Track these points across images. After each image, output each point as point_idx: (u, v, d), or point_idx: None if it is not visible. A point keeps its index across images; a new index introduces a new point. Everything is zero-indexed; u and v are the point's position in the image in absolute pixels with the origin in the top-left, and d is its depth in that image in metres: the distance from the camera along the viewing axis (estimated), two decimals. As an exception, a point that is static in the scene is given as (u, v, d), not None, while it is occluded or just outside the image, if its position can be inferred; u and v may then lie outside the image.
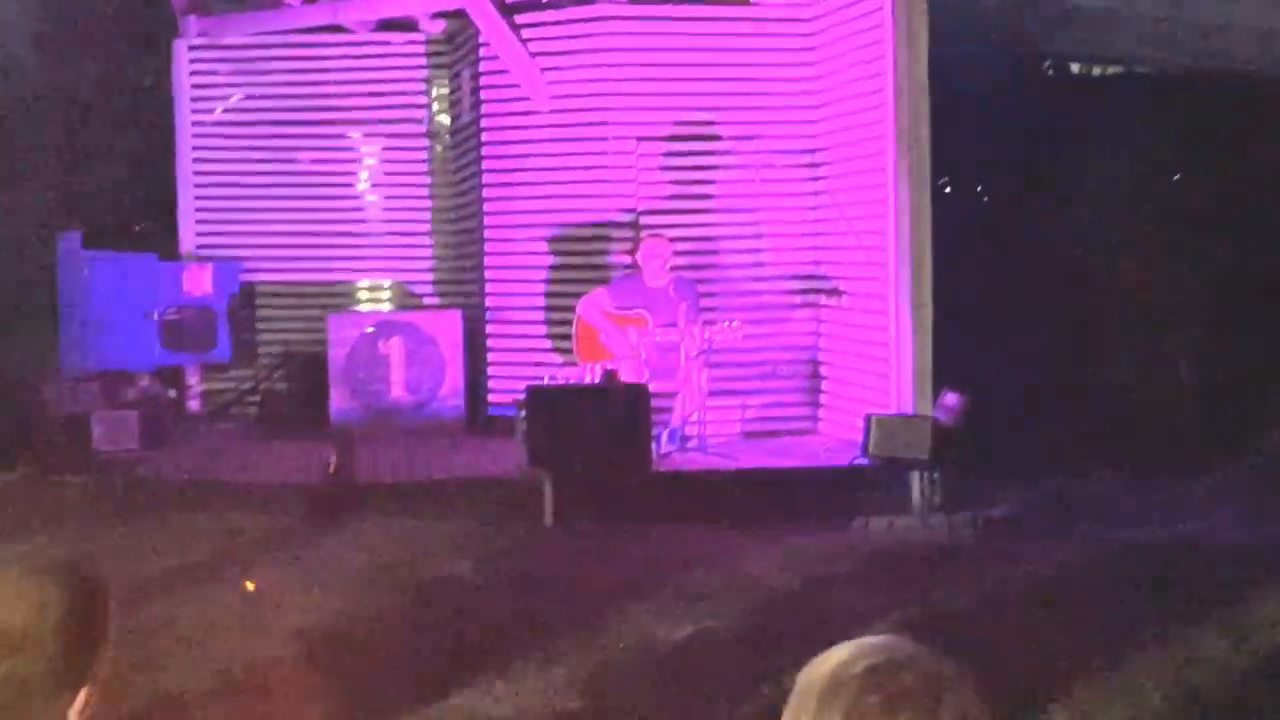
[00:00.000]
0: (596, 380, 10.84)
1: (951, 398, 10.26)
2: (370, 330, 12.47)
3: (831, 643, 2.06)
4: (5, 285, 12.48)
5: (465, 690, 6.51)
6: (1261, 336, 12.68)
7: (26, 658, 2.13)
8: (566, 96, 12.20)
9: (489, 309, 12.63)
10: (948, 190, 12.43)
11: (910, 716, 1.91)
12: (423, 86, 13.64)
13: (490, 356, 12.58)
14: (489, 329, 12.61)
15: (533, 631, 7.34)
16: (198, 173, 13.72)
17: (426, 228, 13.74)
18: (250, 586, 7.63)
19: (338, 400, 12.31)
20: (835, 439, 11.50)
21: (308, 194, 13.64)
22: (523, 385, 10.86)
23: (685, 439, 11.12)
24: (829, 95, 11.92)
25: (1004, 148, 13.43)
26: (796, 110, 12.17)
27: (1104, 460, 11.19)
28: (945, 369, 10.63)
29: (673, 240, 11.42)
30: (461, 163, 13.35)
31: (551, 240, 12.40)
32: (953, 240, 11.10)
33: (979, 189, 14.81)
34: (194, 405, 13.36)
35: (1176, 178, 14.72)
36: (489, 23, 12.21)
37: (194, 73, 13.74)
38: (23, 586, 2.17)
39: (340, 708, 4.78)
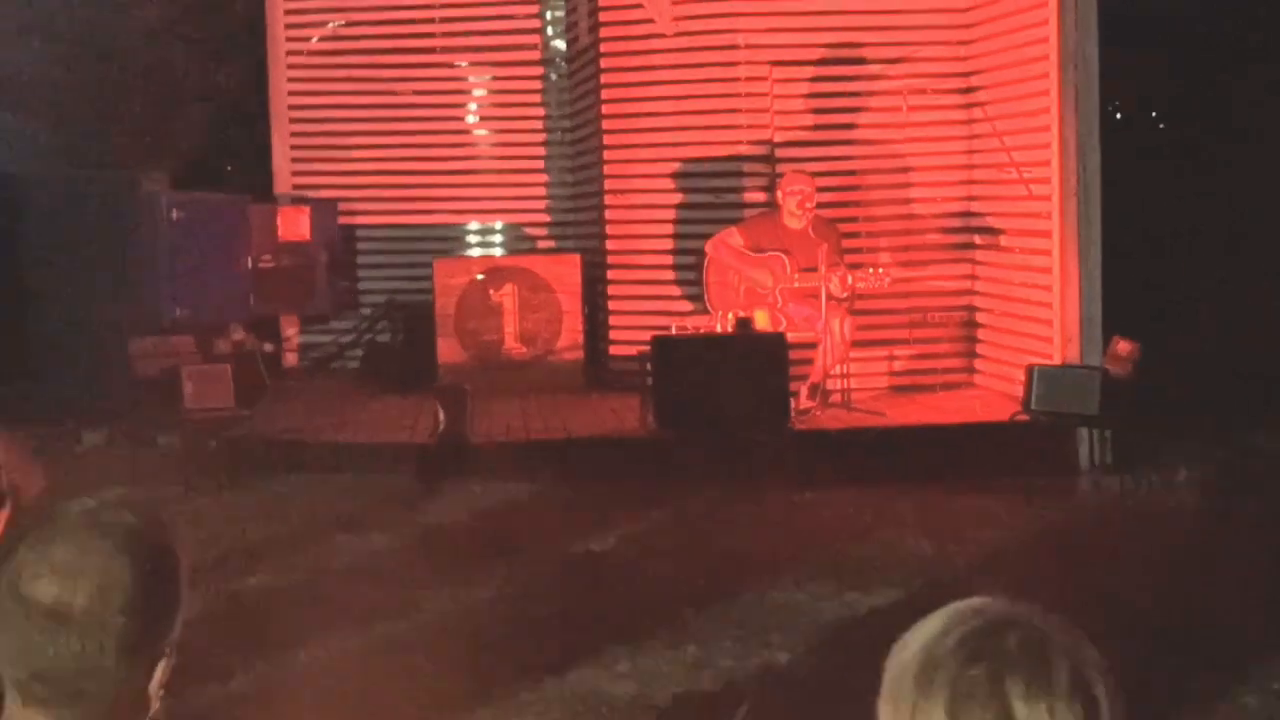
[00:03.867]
0: (728, 329, 10.74)
1: (1123, 346, 10.25)
2: (481, 277, 12.47)
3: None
4: (90, 234, 12.57)
5: (586, 668, 6.53)
6: None
7: (94, 635, 2.14)
8: (694, 17, 12.08)
9: (610, 252, 12.56)
10: (1118, 116, 12.16)
11: (1021, 683, 1.84)
12: (536, 8, 13.57)
13: (611, 305, 12.56)
14: (610, 274, 12.56)
15: (661, 604, 7.35)
16: (293, 107, 13.80)
17: (541, 164, 13.75)
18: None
19: (446, 353, 12.31)
20: (993, 393, 11.42)
21: (412, 129, 13.67)
22: (648, 336, 10.88)
23: (827, 394, 11.05)
24: (984, 12, 11.78)
25: (1185, 65, 13.26)
26: (948, 30, 12.04)
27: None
28: (1116, 314, 10.57)
29: (814, 176, 11.26)
30: (579, 92, 13.31)
31: (678, 176, 12.27)
32: (1125, 171, 11.00)
33: (1154, 113, 14.57)
34: (291, 359, 13.52)
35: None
36: (607, -64, 12.17)
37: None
38: (86, 561, 2.16)
39: (449, 688, 4.79)
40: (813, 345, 10.96)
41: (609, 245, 12.54)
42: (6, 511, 3.05)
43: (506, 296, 12.38)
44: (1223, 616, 7.04)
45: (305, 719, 5.63)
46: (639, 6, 12.15)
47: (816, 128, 11.96)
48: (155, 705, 2.23)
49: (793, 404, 10.46)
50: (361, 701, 3.98)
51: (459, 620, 6.98)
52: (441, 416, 10.54)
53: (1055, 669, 1.85)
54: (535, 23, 13.58)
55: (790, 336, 10.59)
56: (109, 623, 2.14)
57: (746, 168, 12.03)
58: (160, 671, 2.22)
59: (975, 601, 1.95)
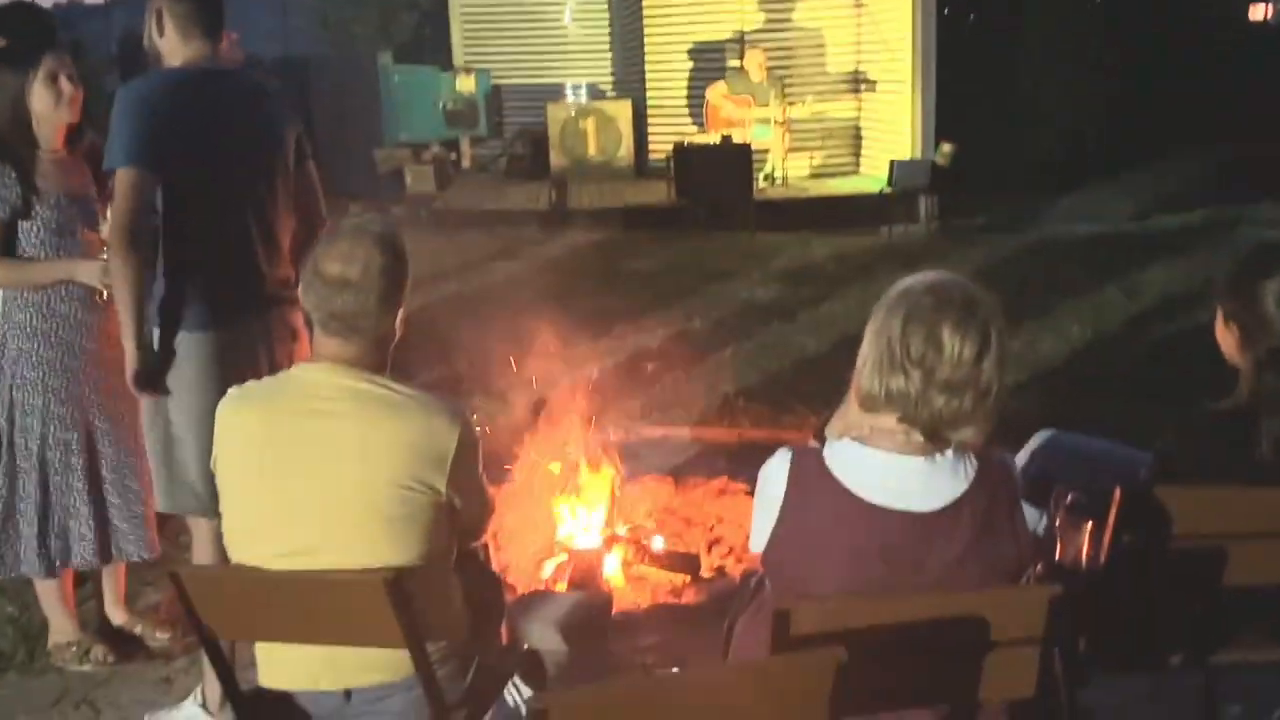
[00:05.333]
0: (718, 141, 10.50)
1: (945, 146, 10.15)
2: (574, 114, 12.09)
3: (862, 296, 1.99)
4: (350, 90, 12.53)
5: (637, 331, 6.63)
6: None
7: (363, 293, 2.18)
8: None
9: (649, 98, 12.14)
10: (946, 12, 11.95)
11: (952, 316, 1.87)
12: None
13: (650, 127, 12.15)
14: (649, 111, 12.16)
15: (679, 295, 7.43)
16: (464, 14, 13.28)
17: (608, 48, 13.29)
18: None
19: (555, 160, 11.90)
20: (871, 176, 11.22)
21: (534, 25, 13.13)
22: (670, 145, 10.65)
23: (774, 178, 10.92)
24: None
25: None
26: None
27: (1059, 181, 10.89)
28: (943, 129, 10.40)
29: (766, 49, 11.09)
30: (629, 4, 12.82)
31: (689, 51, 11.94)
32: (952, 47, 10.90)
33: (971, 14, 14.20)
34: (467, 163, 13.24)
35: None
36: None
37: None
38: (356, 248, 2.18)
39: (562, 336, 4.81)
40: (766, 150, 10.85)
41: (648, 94, 12.16)
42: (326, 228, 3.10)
43: (589, 125, 11.99)
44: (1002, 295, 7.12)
45: (478, 343, 5.50)
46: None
47: (768, 21, 11.69)
48: (397, 335, 2.28)
49: (754, 183, 10.26)
50: (511, 337, 4.22)
51: (565, 306, 6.40)
52: (553, 195, 10.59)
53: (975, 312, 1.88)
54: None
55: (753, 144, 10.31)
56: (372, 285, 2.17)
57: (727, 46, 11.75)
58: (400, 314, 2.26)
59: (940, 271, 1.94)
